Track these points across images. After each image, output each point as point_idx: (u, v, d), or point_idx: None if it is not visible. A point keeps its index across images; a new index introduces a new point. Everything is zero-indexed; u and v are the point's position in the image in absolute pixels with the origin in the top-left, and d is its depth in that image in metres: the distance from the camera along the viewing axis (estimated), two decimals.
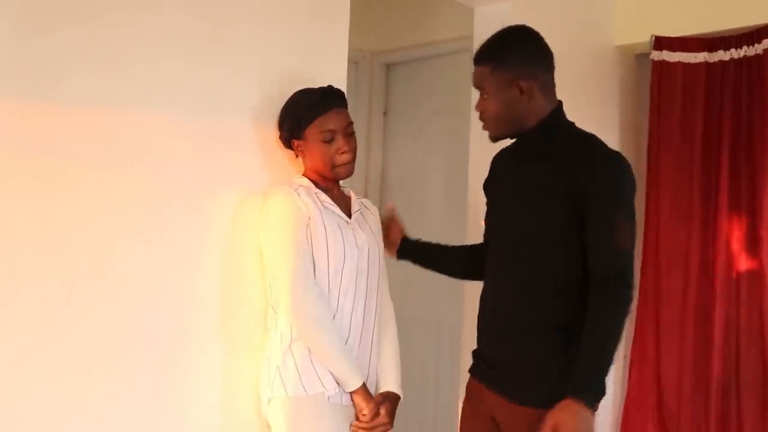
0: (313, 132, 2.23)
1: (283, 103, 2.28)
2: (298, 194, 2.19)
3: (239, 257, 2.29)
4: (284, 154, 2.37)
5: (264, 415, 2.23)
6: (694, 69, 3.60)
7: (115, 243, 2.03)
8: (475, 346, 2.31)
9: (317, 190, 2.24)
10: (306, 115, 2.23)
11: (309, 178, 2.27)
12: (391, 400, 2.25)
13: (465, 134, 3.37)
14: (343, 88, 2.41)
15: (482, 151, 3.24)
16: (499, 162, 2.40)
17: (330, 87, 2.31)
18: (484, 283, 2.29)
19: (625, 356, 3.77)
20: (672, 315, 3.63)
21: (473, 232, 3.29)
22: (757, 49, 3.42)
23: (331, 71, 2.52)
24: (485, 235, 2.40)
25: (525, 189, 2.18)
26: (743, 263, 3.49)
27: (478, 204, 3.26)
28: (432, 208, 3.83)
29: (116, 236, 2.03)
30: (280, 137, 2.31)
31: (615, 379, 3.76)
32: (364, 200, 2.45)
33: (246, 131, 2.32)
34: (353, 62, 3.97)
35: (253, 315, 2.30)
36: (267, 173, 2.36)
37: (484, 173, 3.25)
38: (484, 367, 2.21)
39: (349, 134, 2.26)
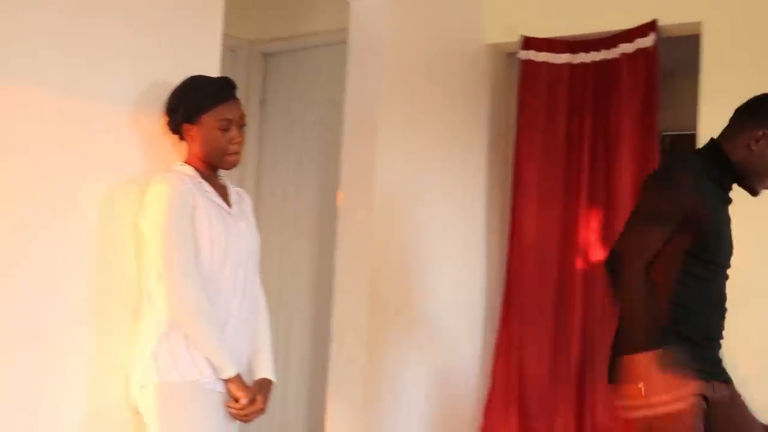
0: (210, 119, 2.25)
1: (158, 88, 2.29)
2: (183, 183, 2.21)
3: (112, 244, 2.28)
4: (161, 142, 2.37)
5: (133, 401, 2.23)
6: (558, 69, 3.79)
7: None
8: None
9: (200, 179, 2.26)
10: (206, 102, 2.26)
11: (192, 166, 2.29)
12: (265, 387, 2.32)
13: (340, 125, 3.45)
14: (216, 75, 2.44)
15: (355, 142, 3.39)
16: (708, 189, 2.31)
17: (228, 78, 2.36)
18: (714, 295, 2.35)
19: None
20: (534, 304, 3.80)
21: (346, 222, 3.40)
22: (614, 53, 3.64)
23: (204, 58, 2.55)
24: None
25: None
26: (601, 255, 3.66)
27: (352, 194, 3.39)
28: (307, 198, 3.91)
29: None
30: (169, 121, 2.32)
31: (481, 368, 3.95)
32: (239, 189, 2.49)
33: (119, 117, 2.31)
34: (231, 50, 3.97)
35: (124, 302, 2.29)
36: (142, 161, 2.37)
37: (357, 164, 3.41)
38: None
39: (242, 126, 2.32)
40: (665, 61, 3.57)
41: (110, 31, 2.29)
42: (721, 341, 2.37)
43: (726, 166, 2.30)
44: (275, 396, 3.81)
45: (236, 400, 2.20)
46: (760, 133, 2.25)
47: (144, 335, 2.22)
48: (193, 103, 2.26)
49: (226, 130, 2.27)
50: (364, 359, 3.32)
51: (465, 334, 3.92)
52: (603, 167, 3.70)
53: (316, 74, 3.90)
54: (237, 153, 2.31)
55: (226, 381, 2.20)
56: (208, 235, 2.21)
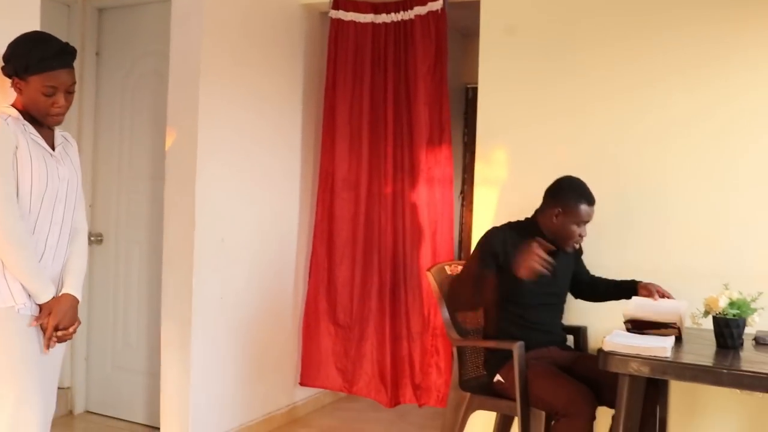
0: (36, 82, 2.29)
1: None
2: (7, 123, 2.27)
3: None
4: None
5: None
6: (363, 27, 4.29)
7: None
8: None
9: (25, 122, 2.34)
10: (35, 66, 2.28)
11: (19, 110, 2.35)
12: (64, 302, 2.40)
13: (167, 74, 3.73)
14: (36, 27, 2.59)
15: (180, 91, 3.67)
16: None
17: (67, 45, 2.37)
18: None
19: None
20: (345, 230, 4.32)
21: (173, 161, 3.69)
22: (410, 14, 4.16)
23: (23, 10, 2.64)
24: None
25: None
26: (406, 184, 4.20)
27: (178, 136, 3.66)
28: (140, 140, 4.13)
29: None
30: (3, 68, 2.35)
31: (295, 288, 4.44)
32: (66, 133, 2.56)
33: None
34: (66, 5, 4.14)
35: None
36: None
37: (182, 110, 3.66)
38: None
39: (70, 92, 2.37)
40: (471, 23, 3.95)
41: None
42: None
43: (540, 234, 3.13)
44: (119, 321, 4.20)
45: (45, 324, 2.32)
46: (558, 209, 3.08)
47: None
48: (23, 63, 2.29)
49: (50, 95, 2.31)
50: (191, 282, 3.64)
51: (284, 257, 4.36)
52: (404, 111, 4.20)
53: (146, 28, 4.07)
54: (58, 115, 2.36)
55: (43, 305, 2.33)
56: (28, 174, 2.29)
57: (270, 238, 4.23)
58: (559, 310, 3.35)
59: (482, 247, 3.17)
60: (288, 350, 4.42)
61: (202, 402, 3.76)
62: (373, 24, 4.29)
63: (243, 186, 4.00)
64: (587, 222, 3.11)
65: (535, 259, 2.91)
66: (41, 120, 2.37)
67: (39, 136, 2.38)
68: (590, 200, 3.10)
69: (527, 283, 3.02)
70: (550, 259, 2.95)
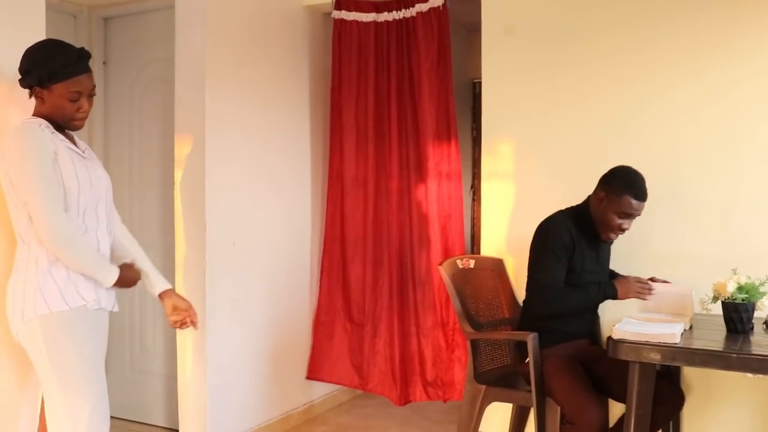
0: (62, 89, 2.34)
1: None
2: (42, 130, 2.32)
3: None
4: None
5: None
6: (366, 27, 4.31)
7: None
8: None
9: (53, 130, 2.39)
10: (60, 72, 2.32)
11: (44, 119, 2.38)
12: (175, 294, 2.67)
13: (173, 79, 3.76)
14: (42, 38, 2.62)
15: (186, 97, 3.70)
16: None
17: (85, 50, 2.42)
18: None
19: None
20: (355, 228, 4.35)
21: (182, 167, 3.72)
22: (411, 11, 4.18)
23: (29, 22, 2.68)
24: None
25: None
26: (412, 183, 4.22)
27: (186, 142, 3.71)
28: (150, 148, 4.16)
29: None
30: (21, 80, 2.39)
31: (311, 288, 4.47)
32: (81, 141, 2.58)
33: None
34: (72, 15, 4.20)
35: None
36: None
37: (189, 115, 3.69)
38: None
39: (91, 96, 2.44)
40: (475, 18, 3.94)
41: None
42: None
43: (589, 220, 3.12)
44: (136, 326, 4.24)
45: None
46: (603, 194, 3.04)
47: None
48: (47, 71, 2.32)
49: (76, 100, 2.37)
50: (204, 286, 3.67)
51: (296, 258, 4.39)
52: (408, 108, 4.22)
53: (152, 36, 4.10)
54: (83, 119, 2.43)
55: (113, 286, 2.42)
56: (74, 177, 2.34)
57: (281, 239, 4.27)
58: None
59: (552, 242, 3.06)
60: (304, 349, 4.46)
61: (219, 403, 3.80)
62: (375, 23, 4.31)
63: (253, 188, 4.03)
64: (630, 215, 3.03)
65: (637, 288, 3.02)
66: (65, 125, 2.41)
67: (69, 141, 2.43)
68: (638, 194, 3.01)
69: (582, 272, 3.05)
70: (650, 284, 3.04)
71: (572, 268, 3.03)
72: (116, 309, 2.58)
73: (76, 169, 2.36)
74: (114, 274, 2.40)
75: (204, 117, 3.68)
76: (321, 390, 4.62)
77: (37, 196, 2.27)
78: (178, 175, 3.77)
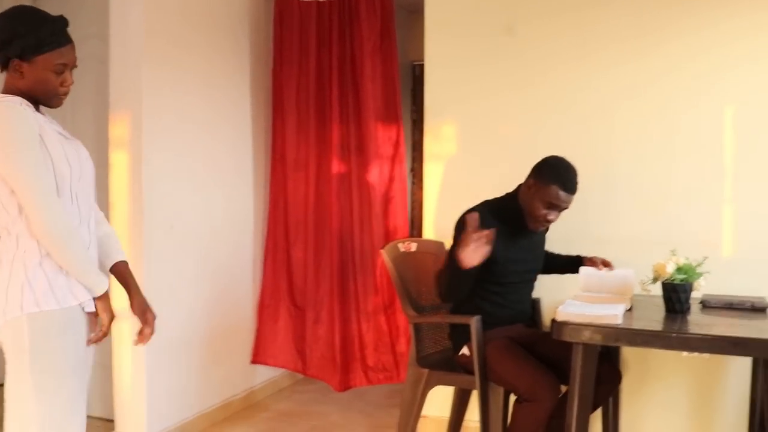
0: (47, 60, 2.10)
1: None
2: (24, 110, 2.05)
3: None
4: None
5: None
6: (307, 6, 4.25)
7: None
8: None
9: (34, 109, 2.13)
10: (49, 42, 2.09)
11: (21, 96, 2.12)
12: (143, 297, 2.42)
13: (108, 58, 3.64)
14: None
15: (121, 76, 3.59)
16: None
17: (64, 18, 2.17)
18: None
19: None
20: (297, 211, 4.31)
21: (118, 148, 3.61)
22: None
23: None
24: None
25: None
26: (353, 165, 4.19)
27: (121, 122, 3.60)
28: (82, 128, 3.97)
29: None
30: None
31: (253, 272, 4.43)
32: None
33: None
34: None
35: None
36: None
37: (124, 95, 3.58)
38: None
39: (73, 68, 2.20)
40: (417, 0, 3.92)
41: None
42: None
43: (516, 209, 3.05)
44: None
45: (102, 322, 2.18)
46: (532, 181, 2.99)
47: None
48: (32, 41, 2.07)
49: (60, 73, 2.13)
50: (141, 271, 3.52)
51: (238, 241, 4.32)
52: (350, 90, 4.19)
53: (85, 12, 3.94)
54: (65, 95, 2.19)
55: (98, 299, 2.17)
56: (64, 160, 2.12)
57: (222, 222, 4.19)
58: (532, 287, 3.34)
59: (461, 232, 2.93)
60: (244, 334, 4.40)
61: (156, 392, 3.71)
62: (317, 2, 4.25)
63: (192, 171, 3.94)
64: (556, 207, 2.97)
65: (472, 245, 2.76)
66: (47, 102, 2.17)
67: (51, 120, 2.19)
68: (567, 186, 2.94)
69: (506, 262, 3.01)
70: (486, 231, 2.77)
71: (493, 259, 2.90)
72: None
73: (66, 151, 2.12)
74: (105, 285, 2.19)
75: (141, 97, 3.56)
76: (262, 375, 4.57)
77: (30, 185, 2.04)
78: (114, 157, 3.65)
